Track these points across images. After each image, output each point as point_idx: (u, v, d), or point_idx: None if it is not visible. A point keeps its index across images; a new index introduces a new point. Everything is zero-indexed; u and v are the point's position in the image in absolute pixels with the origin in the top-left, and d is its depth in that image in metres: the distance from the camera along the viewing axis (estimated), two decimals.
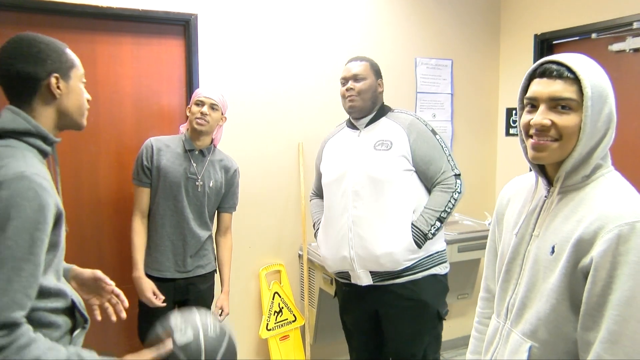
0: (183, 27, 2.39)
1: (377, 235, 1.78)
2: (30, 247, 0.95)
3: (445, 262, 1.92)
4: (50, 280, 1.07)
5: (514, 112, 3.09)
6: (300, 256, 2.67)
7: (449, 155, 1.86)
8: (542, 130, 0.94)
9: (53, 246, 1.05)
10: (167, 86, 2.39)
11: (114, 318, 1.28)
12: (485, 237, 2.80)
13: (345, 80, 1.92)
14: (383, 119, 1.92)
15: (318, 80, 2.68)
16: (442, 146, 1.86)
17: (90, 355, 1.04)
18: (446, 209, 1.79)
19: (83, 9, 2.16)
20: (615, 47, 2.51)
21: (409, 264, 1.79)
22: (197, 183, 2.03)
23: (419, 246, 1.77)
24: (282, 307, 2.59)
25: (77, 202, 2.26)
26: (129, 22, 2.30)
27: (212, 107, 2.01)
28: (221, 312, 2.12)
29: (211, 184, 2.07)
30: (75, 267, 1.31)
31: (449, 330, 3.15)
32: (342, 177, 1.88)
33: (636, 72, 2.45)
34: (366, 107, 1.90)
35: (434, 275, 1.86)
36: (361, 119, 1.93)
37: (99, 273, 1.28)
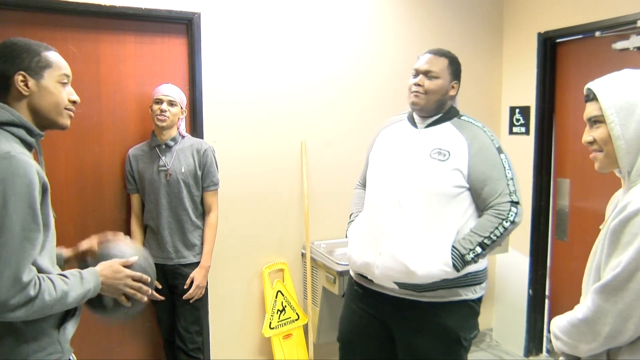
0: (186, 25, 2.40)
1: (411, 247, 1.60)
2: (33, 218, 1.08)
3: (481, 282, 1.70)
4: (46, 265, 1.15)
5: (517, 110, 3.08)
6: (303, 255, 2.67)
7: (511, 179, 1.62)
8: (589, 145, 1.18)
9: (45, 226, 1.13)
10: None
11: None
12: None
13: (416, 73, 1.72)
14: (447, 124, 1.71)
15: (321, 79, 2.68)
16: (504, 167, 1.63)
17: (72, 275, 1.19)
18: (491, 235, 1.57)
19: (86, 7, 2.16)
20: (619, 45, 2.50)
21: (438, 279, 1.60)
22: (166, 173, 2.17)
23: (457, 269, 1.57)
24: (285, 306, 2.59)
25: (80, 200, 2.27)
26: (132, 21, 2.30)
27: (171, 103, 2.17)
28: (191, 283, 2.18)
29: (183, 170, 2.19)
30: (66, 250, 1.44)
31: None
32: (389, 177, 1.71)
33: None
34: (430, 108, 1.70)
35: (464, 301, 1.66)
36: (424, 118, 1.74)
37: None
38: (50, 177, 2.19)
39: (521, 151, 3.01)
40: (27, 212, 1.07)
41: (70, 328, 1.24)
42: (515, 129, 3.09)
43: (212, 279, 2.49)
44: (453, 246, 1.58)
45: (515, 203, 1.61)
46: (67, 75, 1.25)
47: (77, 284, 1.17)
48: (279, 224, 2.64)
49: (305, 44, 2.62)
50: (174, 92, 2.20)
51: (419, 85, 1.69)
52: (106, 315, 1.34)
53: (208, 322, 2.51)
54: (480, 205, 1.65)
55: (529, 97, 2.97)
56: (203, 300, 2.32)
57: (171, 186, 2.18)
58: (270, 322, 2.54)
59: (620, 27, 2.46)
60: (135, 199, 2.29)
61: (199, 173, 2.22)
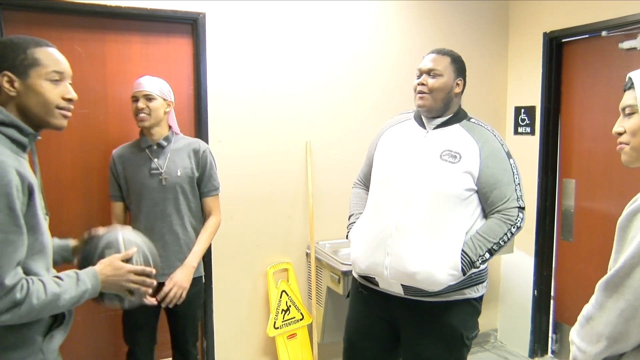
0: (191, 25, 2.41)
1: (419, 249, 1.60)
2: (13, 219, 1.03)
3: (483, 282, 1.74)
4: (39, 269, 1.12)
5: (522, 110, 3.08)
6: (307, 255, 2.68)
7: (518, 184, 1.66)
8: (618, 136, 1.13)
9: (32, 228, 1.09)
10: (175, 84, 2.38)
11: None
12: None
13: (419, 73, 1.73)
14: (456, 126, 1.71)
15: (326, 80, 2.69)
16: (513, 172, 1.65)
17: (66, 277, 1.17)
18: (500, 241, 1.60)
19: (92, 8, 2.18)
20: (626, 44, 2.49)
21: (445, 286, 1.61)
22: (160, 177, 1.94)
23: (464, 273, 1.59)
24: (290, 306, 2.60)
25: (87, 199, 2.28)
26: (137, 21, 2.32)
27: (148, 98, 1.93)
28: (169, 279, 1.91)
29: (179, 173, 1.96)
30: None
31: None
32: (398, 178, 1.69)
33: None
34: (437, 107, 1.70)
35: (467, 300, 1.69)
36: (432, 119, 1.73)
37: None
38: (57, 176, 2.23)
39: (526, 151, 3.00)
40: (5, 213, 1.02)
41: (58, 337, 1.20)
42: (520, 129, 3.09)
43: (217, 278, 2.51)
44: (463, 251, 1.58)
45: (522, 209, 1.64)
46: (58, 72, 1.18)
47: (72, 286, 1.13)
48: (284, 223, 2.65)
49: (310, 45, 2.63)
50: (151, 85, 1.94)
51: (423, 84, 1.70)
52: (109, 305, 1.35)
53: (212, 322, 2.53)
54: (487, 208, 1.65)
55: (534, 97, 2.97)
56: (199, 311, 2.15)
57: (166, 192, 1.94)
58: (275, 322, 2.55)
59: (627, 26, 2.46)
60: (118, 208, 2.04)
61: (196, 175, 2.01)
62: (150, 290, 1.33)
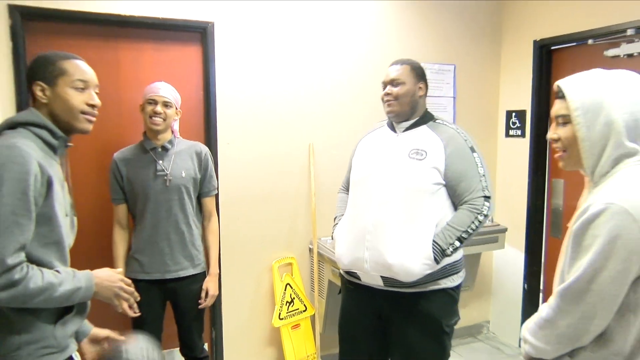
0: (200, 34, 2.49)
1: (394, 242, 1.71)
2: (25, 204, 1.10)
3: (458, 272, 1.84)
4: (51, 260, 1.18)
5: (513, 114, 3.17)
6: (310, 250, 2.78)
7: (483, 175, 1.76)
8: (554, 142, 1.16)
9: (48, 219, 1.16)
10: (185, 89, 2.47)
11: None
12: (486, 233, 2.92)
13: (384, 85, 1.88)
14: (423, 127, 1.84)
15: (327, 84, 2.78)
16: (477, 165, 1.76)
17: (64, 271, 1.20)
18: (468, 229, 1.70)
19: (107, 17, 2.27)
20: (611, 52, 2.59)
21: (421, 276, 1.71)
22: (165, 178, 2.00)
23: (437, 262, 1.69)
24: (294, 298, 2.70)
25: (101, 200, 2.31)
26: (150, 30, 2.40)
27: (166, 104, 1.99)
28: (206, 294, 2.08)
29: (183, 174, 2.03)
30: (94, 329, 1.43)
31: None
32: (371, 178, 1.83)
33: None
34: (404, 111, 1.84)
35: (444, 290, 1.79)
36: (401, 123, 1.87)
37: (111, 334, 1.42)
38: (73, 179, 2.30)
39: (517, 153, 3.10)
40: (19, 197, 1.09)
41: (73, 324, 1.24)
42: (511, 132, 3.18)
43: (226, 272, 2.60)
44: (434, 241, 1.69)
45: (487, 198, 1.74)
46: (83, 81, 1.27)
47: (68, 280, 1.17)
48: (288, 221, 2.74)
49: (313, 51, 2.72)
50: (169, 92, 2.01)
51: (388, 94, 1.84)
52: None
53: (221, 313, 2.63)
54: (456, 200, 1.77)
55: (525, 102, 3.05)
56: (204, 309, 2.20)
57: (171, 192, 2.00)
58: (280, 313, 2.65)
59: (612, 35, 2.55)
60: (121, 210, 2.07)
61: (199, 176, 2.09)
62: (131, 312, 1.46)
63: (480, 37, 3.18)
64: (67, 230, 1.26)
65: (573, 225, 1.08)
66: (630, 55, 2.52)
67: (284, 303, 2.67)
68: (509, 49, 3.19)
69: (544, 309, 1.12)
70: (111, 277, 1.29)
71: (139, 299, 1.39)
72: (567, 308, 1.05)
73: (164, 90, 2.03)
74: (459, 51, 3.11)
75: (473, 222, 1.71)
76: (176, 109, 2.08)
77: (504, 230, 2.92)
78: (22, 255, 1.11)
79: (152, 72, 2.43)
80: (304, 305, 2.74)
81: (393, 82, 1.84)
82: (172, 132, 2.10)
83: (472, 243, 2.70)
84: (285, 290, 2.68)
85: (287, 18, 2.66)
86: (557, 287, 1.10)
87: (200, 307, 2.10)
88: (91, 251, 2.25)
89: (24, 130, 1.20)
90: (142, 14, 2.34)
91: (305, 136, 2.74)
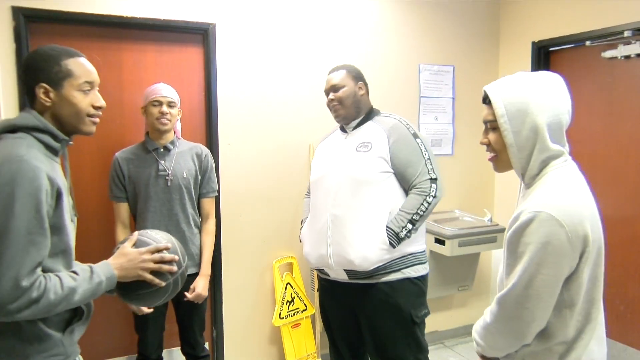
0: (202, 35, 2.52)
1: (352, 234, 1.80)
2: (40, 222, 1.07)
3: (423, 263, 1.90)
4: (61, 270, 1.16)
5: None
6: None
7: (428, 159, 1.85)
8: (485, 146, 1.20)
9: (57, 229, 1.14)
10: (187, 90, 2.51)
11: None
12: (485, 233, 2.94)
13: (327, 92, 2.00)
14: (368, 123, 1.96)
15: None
16: (421, 150, 1.85)
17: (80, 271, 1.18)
18: (418, 211, 1.79)
19: (110, 19, 2.29)
20: (608, 54, 2.62)
21: (381, 264, 1.80)
22: (167, 178, 2.03)
23: (393, 246, 1.78)
24: (294, 297, 2.73)
25: (104, 200, 2.32)
26: (152, 31, 2.43)
27: (170, 105, 2.04)
28: (194, 291, 2.06)
29: (185, 174, 2.06)
30: None
31: (451, 320, 3.32)
32: (325, 177, 1.94)
33: (627, 77, 2.56)
34: (350, 113, 1.95)
35: (409, 279, 1.86)
36: (349, 124, 1.99)
37: None
38: (76, 178, 2.33)
39: None
40: (33, 215, 1.06)
41: (78, 331, 1.23)
42: None
43: (227, 272, 2.63)
44: (387, 226, 1.79)
45: (434, 180, 1.84)
46: (89, 82, 1.23)
47: (86, 280, 1.15)
48: (289, 221, 2.77)
49: (313, 52, 2.75)
50: (173, 93, 2.07)
51: (332, 100, 1.97)
52: (148, 299, 1.30)
53: (222, 312, 2.65)
54: (405, 186, 1.86)
55: None
56: (206, 304, 2.23)
57: (172, 192, 2.04)
58: (280, 312, 2.67)
59: (609, 37, 2.58)
60: (123, 209, 2.09)
61: (199, 177, 2.12)
62: (174, 268, 1.28)
63: (479, 38, 3.21)
64: (73, 235, 1.24)
65: (506, 232, 1.13)
66: (627, 57, 2.55)
67: (285, 302, 2.70)
68: (508, 50, 3.22)
69: (488, 315, 1.18)
70: (129, 255, 1.24)
71: (177, 258, 1.30)
72: (507, 314, 1.10)
73: (166, 90, 2.07)
74: (458, 52, 3.15)
75: (422, 204, 1.80)
76: (178, 109, 2.14)
77: (503, 230, 2.95)
78: (37, 272, 1.08)
79: (154, 73, 2.46)
80: (304, 304, 2.77)
81: (334, 88, 1.96)
82: (174, 132, 2.14)
83: (470, 243, 2.77)
84: (285, 289, 2.71)
85: (287, 19, 2.68)
86: (497, 294, 1.16)
87: (184, 299, 2.06)
88: (94, 250, 2.26)
89: (26, 136, 1.15)
90: (145, 15, 2.36)
91: (305, 136, 2.77)
